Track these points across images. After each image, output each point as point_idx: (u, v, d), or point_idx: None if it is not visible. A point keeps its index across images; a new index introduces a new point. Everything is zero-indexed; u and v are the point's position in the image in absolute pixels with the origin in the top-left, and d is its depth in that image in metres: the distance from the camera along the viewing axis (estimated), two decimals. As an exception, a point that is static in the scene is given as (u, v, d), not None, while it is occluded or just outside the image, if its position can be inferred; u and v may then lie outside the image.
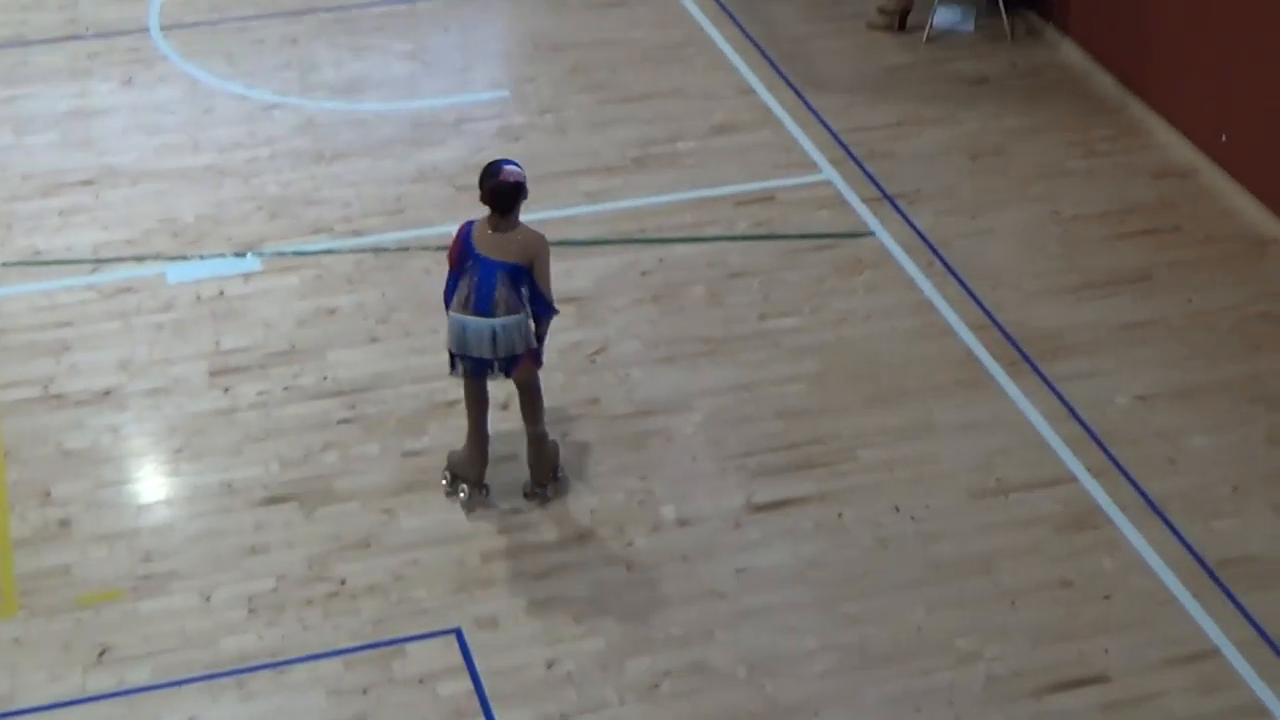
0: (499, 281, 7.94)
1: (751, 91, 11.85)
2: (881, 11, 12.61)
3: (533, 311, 8.08)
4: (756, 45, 12.38)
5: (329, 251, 10.20)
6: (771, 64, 12.15)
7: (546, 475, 8.52)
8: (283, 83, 11.89)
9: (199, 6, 12.84)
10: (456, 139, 11.28)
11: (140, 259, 10.13)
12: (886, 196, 10.73)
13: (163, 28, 12.55)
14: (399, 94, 11.80)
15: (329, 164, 11.01)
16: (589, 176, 10.86)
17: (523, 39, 12.42)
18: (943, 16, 12.79)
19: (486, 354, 8.05)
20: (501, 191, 7.96)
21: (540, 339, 8.18)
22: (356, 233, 10.36)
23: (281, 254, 10.17)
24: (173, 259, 10.13)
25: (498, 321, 7.97)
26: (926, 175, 10.97)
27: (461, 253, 8.04)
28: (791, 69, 12.10)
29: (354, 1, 12.94)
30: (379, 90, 11.83)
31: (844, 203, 10.68)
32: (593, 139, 11.24)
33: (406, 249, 10.22)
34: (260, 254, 10.17)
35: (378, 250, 10.21)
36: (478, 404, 8.30)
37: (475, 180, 10.57)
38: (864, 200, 10.68)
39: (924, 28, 12.58)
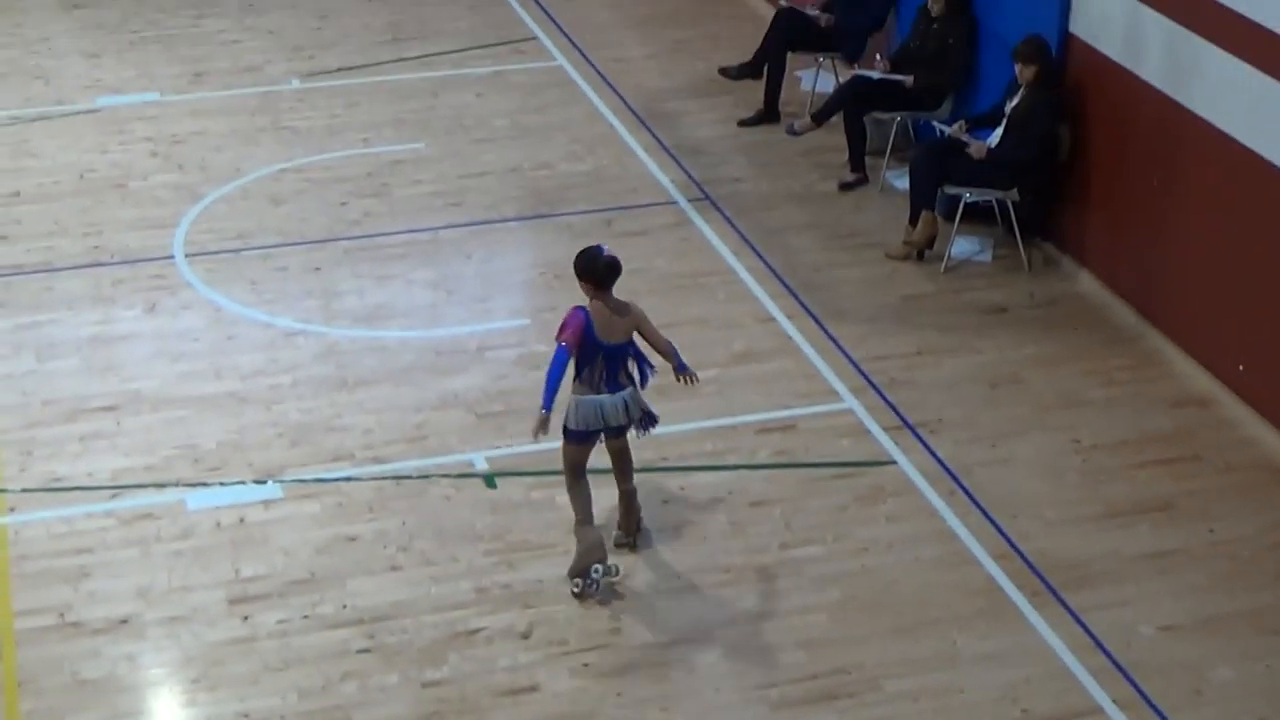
0: (622, 362, 9.17)
1: (772, 320, 12.02)
2: (906, 243, 12.82)
3: (641, 372, 9.34)
4: (776, 274, 12.58)
5: (350, 479, 10.29)
6: (791, 293, 12.34)
7: (634, 526, 9.65)
8: (305, 310, 12.09)
9: (223, 234, 13.09)
10: (478, 366, 11.42)
11: (160, 486, 10.22)
12: (907, 425, 10.83)
13: (187, 255, 12.77)
14: (421, 321, 11.98)
15: (351, 391, 11.15)
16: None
17: (544, 267, 12.62)
18: (961, 247, 13.00)
19: (623, 421, 9.27)
20: (614, 266, 9.15)
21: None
22: (378, 460, 10.46)
23: (302, 481, 10.26)
24: (193, 486, 10.22)
25: (625, 393, 9.23)
26: (947, 404, 11.08)
27: (586, 342, 9.06)
28: (811, 298, 12.28)
29: (377, 230, 13.18)
30: (401, 318, 12.01)
31: (865, 431, 10.78)
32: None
33: (428, 476, 10.31)
34: (281, 481, 10.25)
35: (399, 478, 10.30)
36: (584, 476, 9.33)
37: (496, 408, 10.77)
38: (885, 429, 10.79)
39: (942, 258, 12.78)
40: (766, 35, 15.19)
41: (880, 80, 13.88)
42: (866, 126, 14.06)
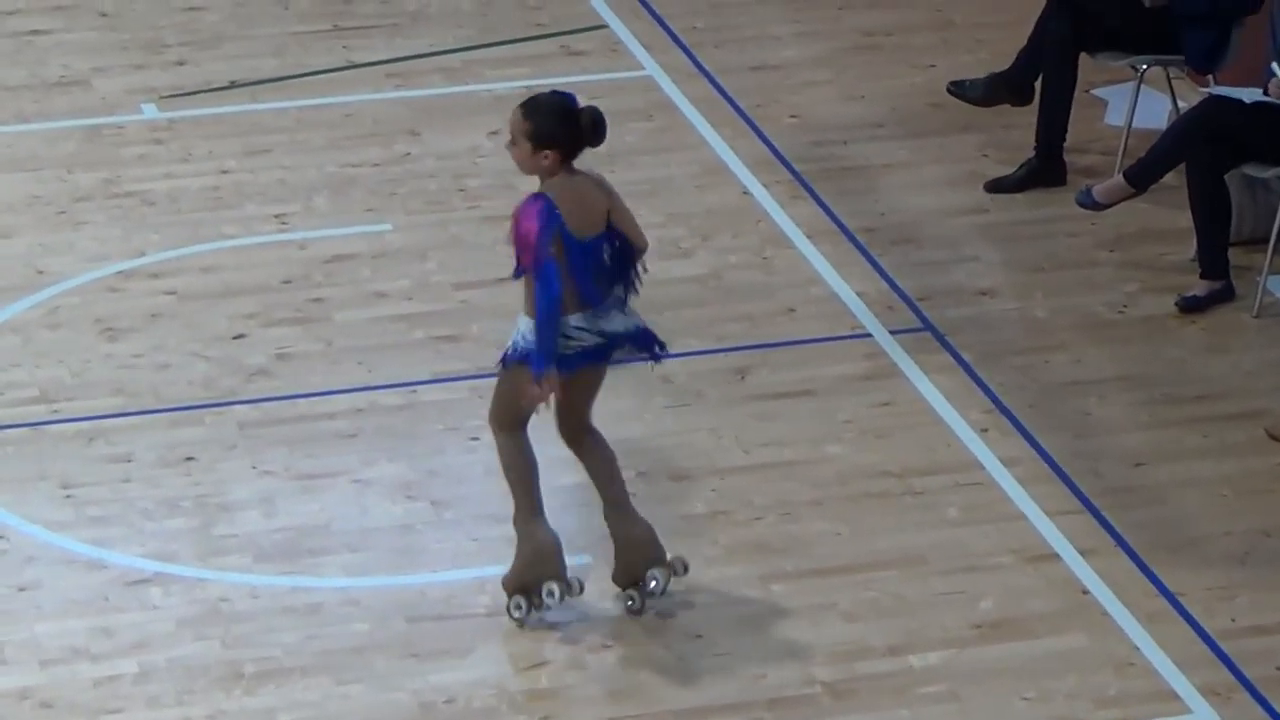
0: (600, 259, 11.42)
1: (1053, 558, 12.04)
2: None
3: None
4: (1061, 473, 12.65)
5: None
6: (1090, 509, 12.39)
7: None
8: (165, 537, 12.19)
9: (11, 392, 13.29)
10: (492, 646, 11.45)
11: None
12: (1317, 762, 10.81)
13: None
14: (384, 560, 12.09)
15: (250, 689, 11.18)
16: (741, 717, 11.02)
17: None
18: None
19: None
20: (600, 123, 11.28)
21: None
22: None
23: None
24: None
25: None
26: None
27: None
28: (1129, 518, 12.32)
29: (299, 387, 13.33)
30: (346, 552, 12.11)
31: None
32: (756, 639, 11.44)
33: None
34: None
35: None
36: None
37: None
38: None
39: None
40: (1040, 24, 15.33)
41: (1257, 106, 13.91)
42: (1231, 193, 14.11)
